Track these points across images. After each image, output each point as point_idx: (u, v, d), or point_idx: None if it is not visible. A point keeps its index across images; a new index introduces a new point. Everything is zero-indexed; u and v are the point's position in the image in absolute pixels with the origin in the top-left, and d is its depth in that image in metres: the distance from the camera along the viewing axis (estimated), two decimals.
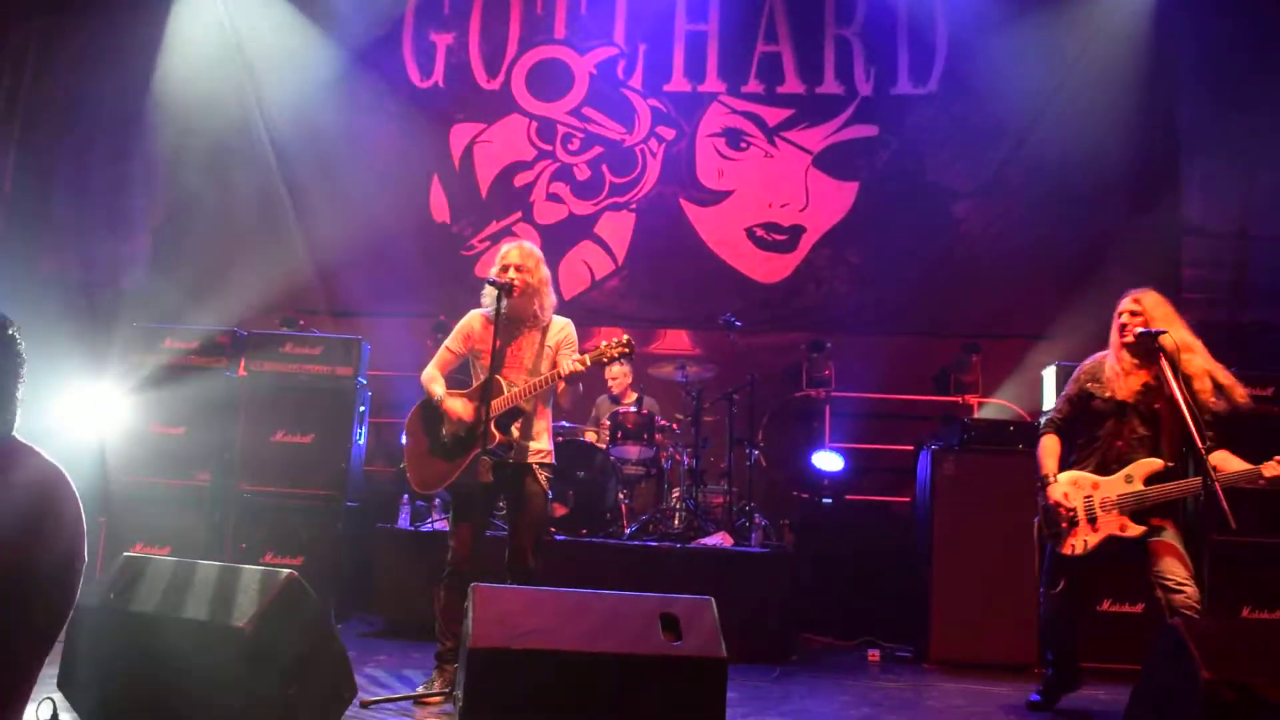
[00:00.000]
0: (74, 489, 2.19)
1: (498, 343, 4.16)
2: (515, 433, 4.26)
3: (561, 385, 4.24)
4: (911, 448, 7.09)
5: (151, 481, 6.54)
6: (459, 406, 4.28)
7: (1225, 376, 4.26)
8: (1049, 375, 6.48)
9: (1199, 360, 4.26)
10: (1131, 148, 8.34)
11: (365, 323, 8.77)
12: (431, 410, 4.40)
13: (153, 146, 8.90)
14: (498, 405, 4.14)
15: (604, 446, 6.95)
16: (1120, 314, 4.35)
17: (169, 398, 6.60)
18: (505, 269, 4.34)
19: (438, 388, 4.38)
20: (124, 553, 3.61)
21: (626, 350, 4.18)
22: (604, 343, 4.19)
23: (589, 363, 4.14)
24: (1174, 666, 3.12)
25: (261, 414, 6.60)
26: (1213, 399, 4.21)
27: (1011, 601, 6.02)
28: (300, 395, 6.65)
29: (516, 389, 4.19)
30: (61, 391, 7.41)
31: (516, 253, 4.38)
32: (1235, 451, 4.25)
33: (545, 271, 4.42)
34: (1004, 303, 8.50)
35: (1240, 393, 4.25)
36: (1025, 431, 6.33)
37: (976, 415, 7.83)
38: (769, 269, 9.10)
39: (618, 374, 7.60)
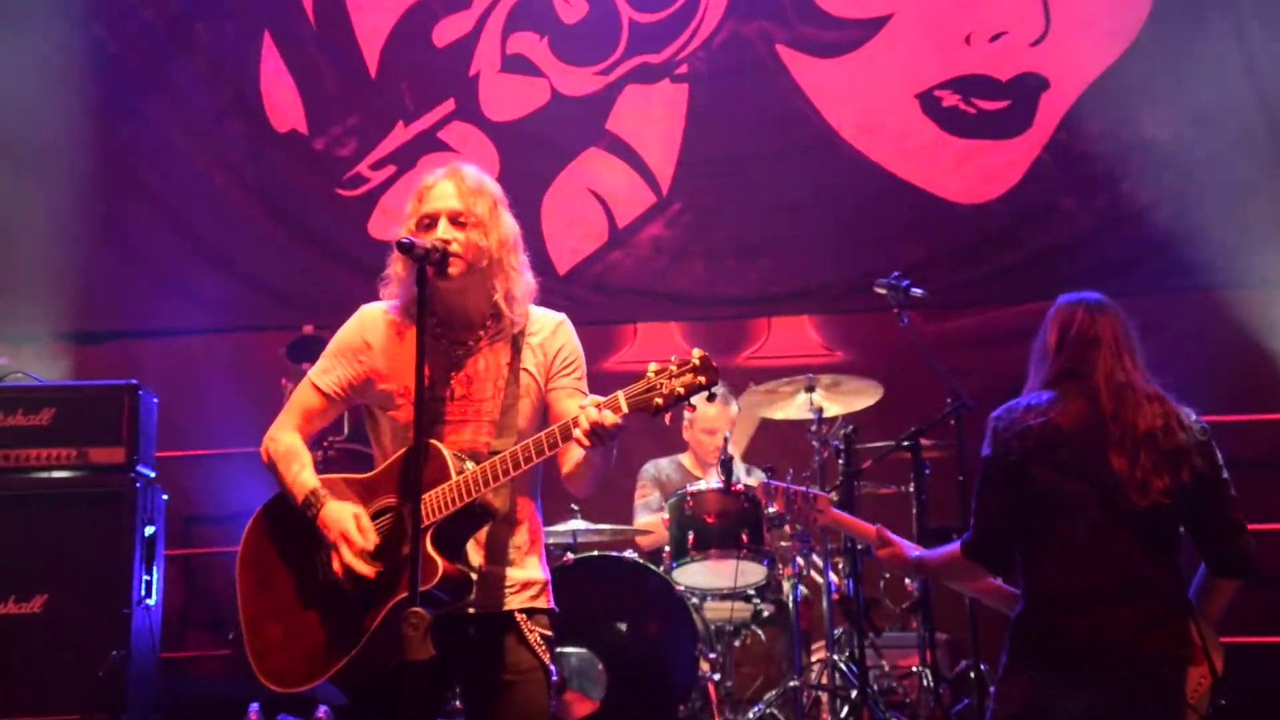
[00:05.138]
0: None
1: (427, 371, 3.94)
2: (477, 558, 4.06)
3: (570, 456, 4.12)
4: None
5: None
6: (345, 516, 4.05)
7: None
8: None
9: None
10: None
11: (151, 349, 8.64)
12: (290, 522, 4.21)
13: None
14: (437, 502, 3.94)
15: (663, 564, 6.86)
16: None
17: None
18: (431, 221, 4.15)
19: (303, 473, 4.16)
20: None
21: (701, 378, 3.78)
22: (652, 366, 3.83)
23: (626, 408, 3.78)
24: None
25: None
26: None
27: None
28: (13, 515, 6.50)
29: (473, 467, 3.97)
30: None
31: (452, 186, 4.20)
32: None
33: (510, 222, 4.27)
34: None
35: None
36: None
37: None
38: (974, 174, 8.62)
39: (714, 418, 7.45)
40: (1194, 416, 4.52)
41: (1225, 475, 4.46)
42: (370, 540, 4.05)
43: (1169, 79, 8.44)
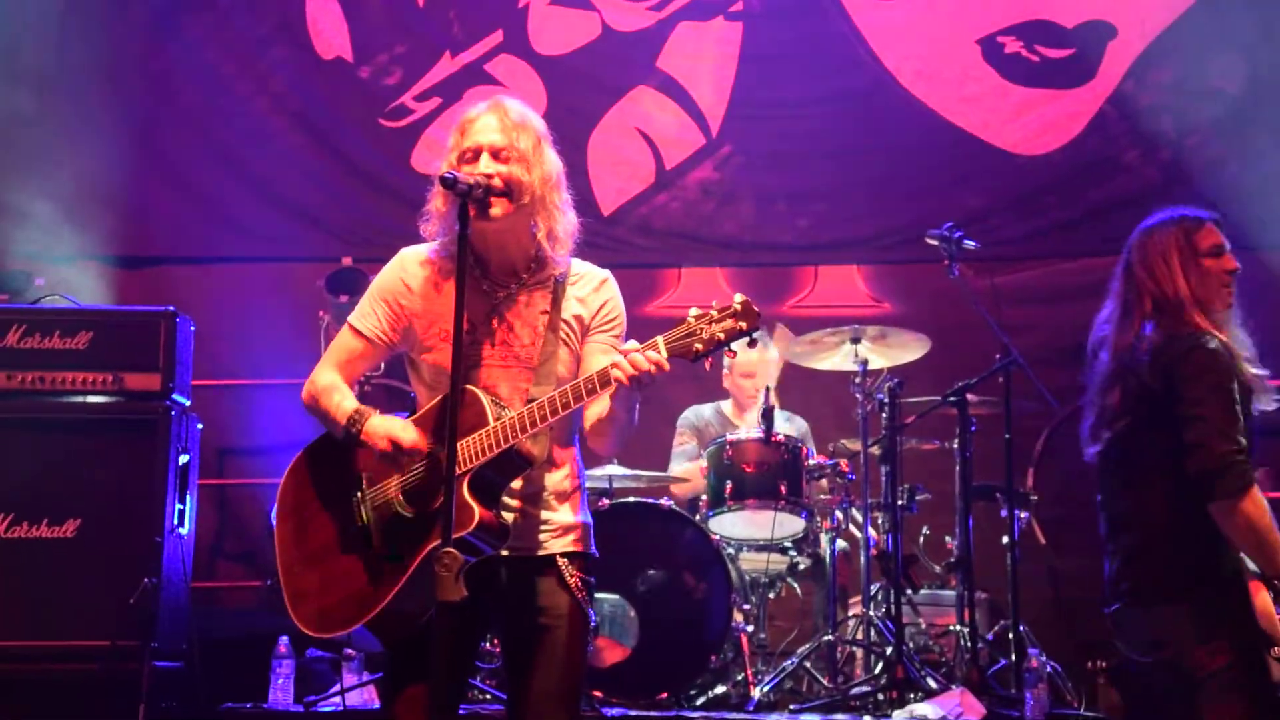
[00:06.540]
0: None
1: (466, 315, 3.94)
2: (515, 501, 4.11)
3: (592, 412, 4.14)
4: None
5: None
6: (391, 423, 4.17)
7: None
8: None
9: None
10: None
11: (189, 275, 8.77)
12: (331, 461, 4.29)
13: None
14: (474, 448, 3.96)
15: (700, 514, 6.95)
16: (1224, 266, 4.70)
17: None
18: (473, 155, 4.11)
19: (345, 400, 4.23)
20: None
21: (743, 323, 3.82)
22: (693, 311, 3.87)
23: (664, 354, 3.81)
24: None
25: None
26: None
27: None
28: (48, 438, 6.46)
29: (511, 413, 3.98)
30: None
31: (495, 119, 4.17)
32: None
33: (554, 159, 4.23)
34: None
35: None
36: None
37: None
38: (1035, 124, 8.72)
39: (752, 362, 7.44)
40: (1153, 335, 4.46)
41: (1179, 395, 4.39)
42: (421, 438, 4.12)
43: (1240, 29, 8.43)
